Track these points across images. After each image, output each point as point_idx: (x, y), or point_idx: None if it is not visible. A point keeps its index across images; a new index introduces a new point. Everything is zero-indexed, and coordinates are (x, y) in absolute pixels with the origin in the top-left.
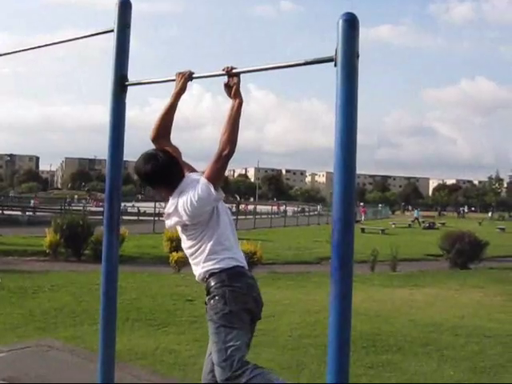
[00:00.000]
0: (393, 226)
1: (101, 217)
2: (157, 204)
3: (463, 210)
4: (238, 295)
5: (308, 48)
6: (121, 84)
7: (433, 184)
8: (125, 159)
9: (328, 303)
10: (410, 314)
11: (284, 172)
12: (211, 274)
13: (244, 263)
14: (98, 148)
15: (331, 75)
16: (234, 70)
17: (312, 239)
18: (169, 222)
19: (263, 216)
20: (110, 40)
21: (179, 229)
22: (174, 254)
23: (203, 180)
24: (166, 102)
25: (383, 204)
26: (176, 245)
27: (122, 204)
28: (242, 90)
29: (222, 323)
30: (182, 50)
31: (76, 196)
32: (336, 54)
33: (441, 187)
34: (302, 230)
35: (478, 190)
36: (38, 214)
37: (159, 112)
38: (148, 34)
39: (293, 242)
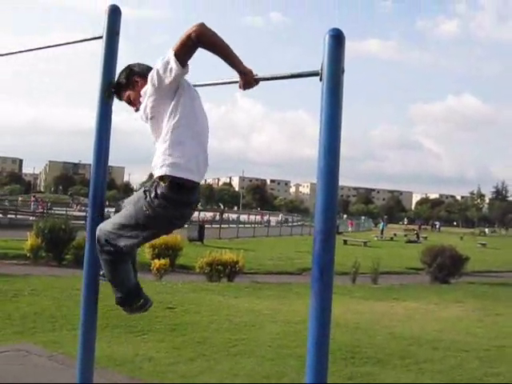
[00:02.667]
0: (375, 238)
1: (83, 222)
2: None
3: (436, 225)
4: (167, 210)
5: (296, 58)
6: (108, 91)
7: (416, 198)
8: (109, 164)
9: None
10: (389, 326)
11: (268, 182)
12: (160, 178)
13: (195, 173)
14: (83, 152)
15: (319, 87)
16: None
17: (294, 250)
18: (141, 107)
19: (246, 225)
20: (99, 44)
21: (148, 115)
22: (156, 261)
23: (169, 53)
24: None
25: (366, 216)
26: (158, 252)
27: (106, 209)
28: (228, 99)
29: (139, 222)
30: None
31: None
32: (322, 69)
33: (424, 201)
34: (285, 240)
35: (461, 205)
36: (19, 216)
37: None
38: (136, 40)
39: (275, 252)
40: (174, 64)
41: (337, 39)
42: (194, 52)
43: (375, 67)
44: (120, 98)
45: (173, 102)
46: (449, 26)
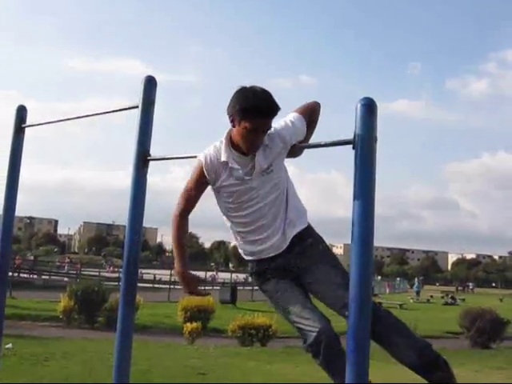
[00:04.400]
0: (411, 300)
1: (116, 283)
2: (172, 271)
3: (469, 286)
4: None
5: (326, 120)
6: (143, 159)
7: (452, 258)
8: (143, 225)
9: None
10: None
11: None
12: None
13: None
14: (117, 212)
15: (350, 148)
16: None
17: (328, 313)
18: (263, 163)
19: None
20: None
21: (272, 167)
22: (188, 324)
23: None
24: (185, 171)
25: (401, 278)
26: (190, 315)
27: (139, 270)
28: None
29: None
30: (204, 119)
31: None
32: (354, 138)
33: (460, 261)
34: (319, 302)
35: (499, 265)
36: (53, 277)
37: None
38: (170, 104)
39: None
40: (304, 129)
41: (369, 108)
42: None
43: (406, 126)
44: (268, 121)
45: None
46: (478, 86)
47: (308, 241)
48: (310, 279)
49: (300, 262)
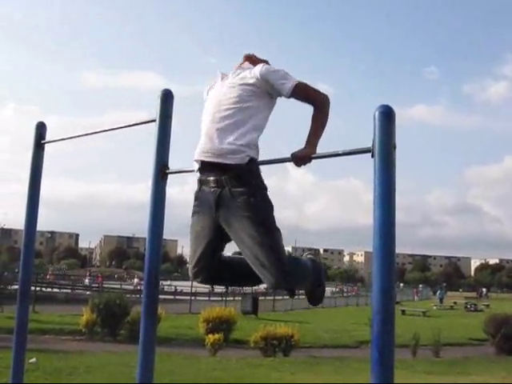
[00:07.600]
0: (434, 307)
1: (137, 295)
2: (193, 283)
3: (483, 291)
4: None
5: (344, 128)
6: (161, 172)
7: (475, 264)
8: (163, 237)
9: None
10: None
11: (322, 251)
12: (249, 161)
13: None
14: (137, 225)
15: (368, 155)
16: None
17: (350, 321)
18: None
19: (301, 297)
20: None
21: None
22: (210, 336)
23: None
24: None
25: (423, 284)
26: (212, 326)
27: (160, 283)
28: (280, 169)
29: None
30: None
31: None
32: (373, 146)
33: (483, 267)
34: (340, 311)
35: None
36: (75, 291)
37: None
38: (187, 116)
39: (331, 323)
40: (289, 88)
41: (387, 116)
42: (303, 102)
43: (425, 132)
44: None
45: (263, 101)
46: (496, 89)
47: (238, 190)
48: (227, 229)
49: (223, 210)
